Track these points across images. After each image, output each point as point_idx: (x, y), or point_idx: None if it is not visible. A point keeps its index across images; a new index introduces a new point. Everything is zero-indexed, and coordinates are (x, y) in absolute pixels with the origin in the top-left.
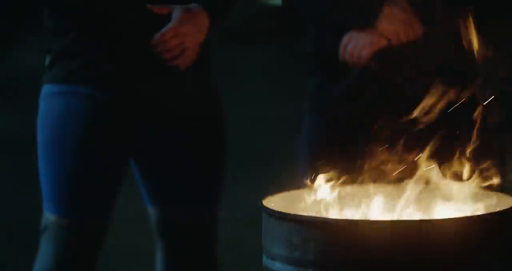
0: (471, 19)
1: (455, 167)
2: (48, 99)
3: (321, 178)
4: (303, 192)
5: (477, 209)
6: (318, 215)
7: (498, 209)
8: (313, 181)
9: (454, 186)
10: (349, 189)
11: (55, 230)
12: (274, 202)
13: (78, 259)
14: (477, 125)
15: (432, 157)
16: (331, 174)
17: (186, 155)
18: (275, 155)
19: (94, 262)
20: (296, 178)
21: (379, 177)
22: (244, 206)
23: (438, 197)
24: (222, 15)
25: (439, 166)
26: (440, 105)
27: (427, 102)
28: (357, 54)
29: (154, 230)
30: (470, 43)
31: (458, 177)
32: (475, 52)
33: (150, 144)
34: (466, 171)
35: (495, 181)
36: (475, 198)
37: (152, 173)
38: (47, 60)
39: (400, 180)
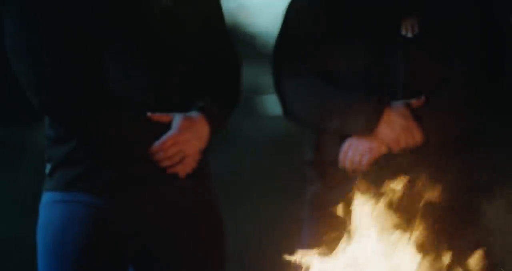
0: None
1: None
2: (49, 208)
3: None
4: None
5: None
6: None
7: None
8: None
9: None
10: None
11: None
12: None
13: None
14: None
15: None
16: None
17: (185, 262)
18: (275, 266)
19: None
20: None
21: None
22: None
23: None
24: (221, 123)
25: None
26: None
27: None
28: (357, 161)
29: None
30: None
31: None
32: None
33: (149, 251)
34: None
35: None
36: None
37: None
38: (47, 168)
39: None
